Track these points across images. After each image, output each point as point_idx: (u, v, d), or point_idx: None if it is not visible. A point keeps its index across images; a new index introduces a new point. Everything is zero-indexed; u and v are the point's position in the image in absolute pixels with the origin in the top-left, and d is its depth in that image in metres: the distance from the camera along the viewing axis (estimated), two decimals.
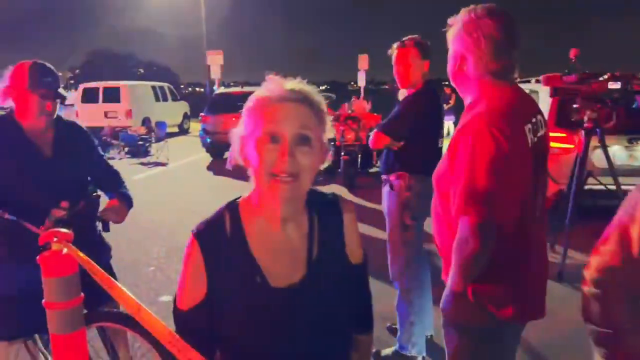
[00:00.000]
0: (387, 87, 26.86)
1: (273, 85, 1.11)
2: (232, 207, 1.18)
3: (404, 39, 2.98)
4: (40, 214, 2.06)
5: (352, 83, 75.59)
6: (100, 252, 2.40)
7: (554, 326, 3.58)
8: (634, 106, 5.67)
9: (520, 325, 1.75)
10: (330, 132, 1.15)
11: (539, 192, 1.65)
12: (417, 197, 2.92)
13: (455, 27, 1.63)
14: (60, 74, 2.37)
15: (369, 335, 1.32)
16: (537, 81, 6.23)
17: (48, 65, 2.24)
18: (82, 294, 1.72)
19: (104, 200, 2.42)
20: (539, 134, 1.63)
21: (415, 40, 2.95)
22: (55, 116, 2.28)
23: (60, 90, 2.25)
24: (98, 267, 1.67)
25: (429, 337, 3.23)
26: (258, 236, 1.14)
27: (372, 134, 3.03)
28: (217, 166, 11.30)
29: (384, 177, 3.05)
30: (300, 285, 1.13)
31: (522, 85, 6.77)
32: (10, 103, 2.22)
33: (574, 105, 4.36)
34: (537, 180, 1.62)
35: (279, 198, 1.07)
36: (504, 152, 1.44)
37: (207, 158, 12.09)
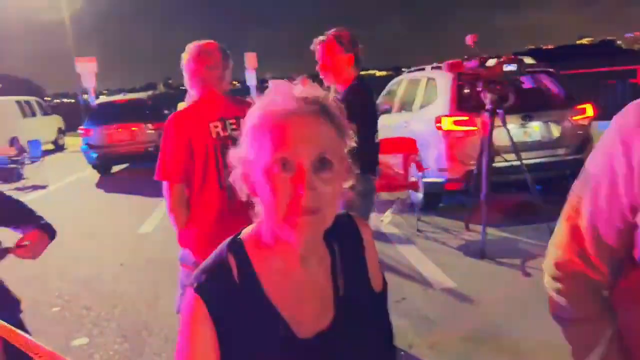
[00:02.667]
0: None
1: (279, 93, 0.87)
2: (236, 246, 0.94)
3: (326, 32, 2.86)
4: None
5: (234, 83, 74.53)
6: (8, 311, 1.97)
7: (485, 303, 3.72)
8: (521, 86, 6.12)
9: None
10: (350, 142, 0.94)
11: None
12: (360, 197, 2.82)
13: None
14: None
15: None
16: (433, 68, 6.47)
17: None
18: None
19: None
20: (227, 132, 2.30)
21: (336, 34, 2.85)
22: None
23: None
24: (24, 334, 1.33)
25: None
26: (274, 279, 0.92)
27: None
28: (107, 183, 10.40)
29: None
30: (330, 330, 0.93)
31: (417, 73, 7.07)
32: None
33: (477, 89, 4.56)
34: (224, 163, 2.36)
35: (297, 237, 0.85)
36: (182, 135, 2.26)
37: (93, 175, 11.07)
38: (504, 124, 4.63)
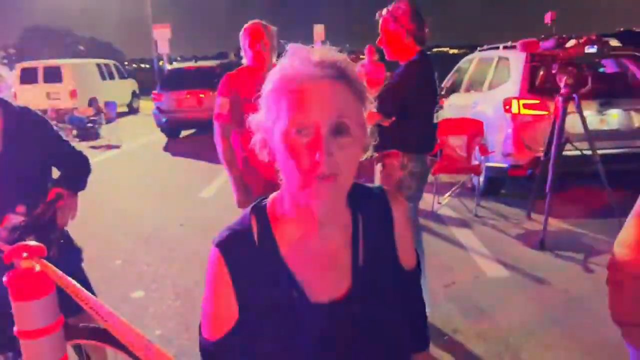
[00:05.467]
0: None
1: (297, 58, 0.86)
2: (259, 211, 0.97)
3: (388, 6, 2.78)
4: None
5: None
6: (71, 258, 2.11)
7: (543, 294, 3.58)
8: (602, 70, 5.70)
9: None
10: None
11: None
12: (412, 177, 2.76)
13: None
14: None
15: (426, 352, 1.14)
16: (506, 47, 6.15)
17: None
18: (62, 316, 1.46)
19: None
20: None
21: (392, 8, 2.76)
22: None
23: None
24: (76, 284, 1.41)
25: None
26: (292, 244, 0.94)
27: None
28: (175, 146, 10.82)
29: (375, 155, 2.87)
30: (345, 299, 0.94)
31: (489, 52, 6.76)
32: None
33: (552, 71, 4.29)
34: None
35: (314, 202, 0.86)
36: None
37: (162, 138, 11.55)
38: (579, 110, 4.35)
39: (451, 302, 3.49)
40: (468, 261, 4.20)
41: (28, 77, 15.12)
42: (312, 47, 0.89)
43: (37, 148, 2.01)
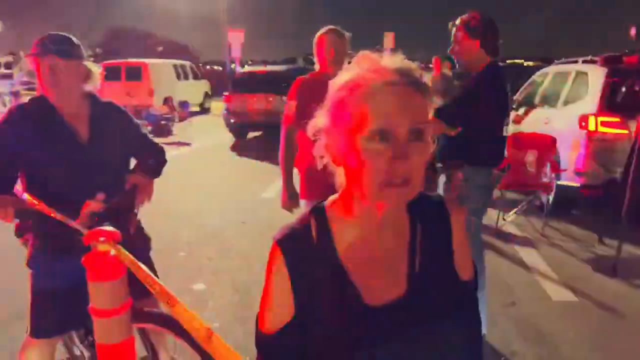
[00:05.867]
0: None
1: (371, 65, 0.88)
2: (319, 211, 0.99)
3: (462, 16, 2.75)
4: (72, 205, 1.84)
5: None
6: (141, 246, 2.23)
7: (611, 324, 3.37)
8: None
9: None
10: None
11: None
12: (476, 190, 2.70)
13: None
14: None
15: None
16: (585, 61, 5.87)
17: (57, 32, 2.00)
18: (131, 298, 1.56)
19: None
20: None
21: (465, 18, 2.73)
22: (77, 89, 2.03)
23: (68, 51, 1.94)
24: (146, 269, 1.50)
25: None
26: (349, 245, 0.95)
27: None
28: (241, 147, 11.13)
29: (439, 165, 2.84)
30: (399, 303, 0.94)
31: (566, 65, 6.47)
32: None
33: (635, 88, 4.05)
34: None
35: (382, 206, 0.88)
36: None
37: (230, 138, 11.92)
38: None
39: (510, 323, 3.36)
40: (531, 282, 4.03)
41: (111, 74, 16.10)
42: (381, 55, 0.91)
43: (119, 138, 2.15)
